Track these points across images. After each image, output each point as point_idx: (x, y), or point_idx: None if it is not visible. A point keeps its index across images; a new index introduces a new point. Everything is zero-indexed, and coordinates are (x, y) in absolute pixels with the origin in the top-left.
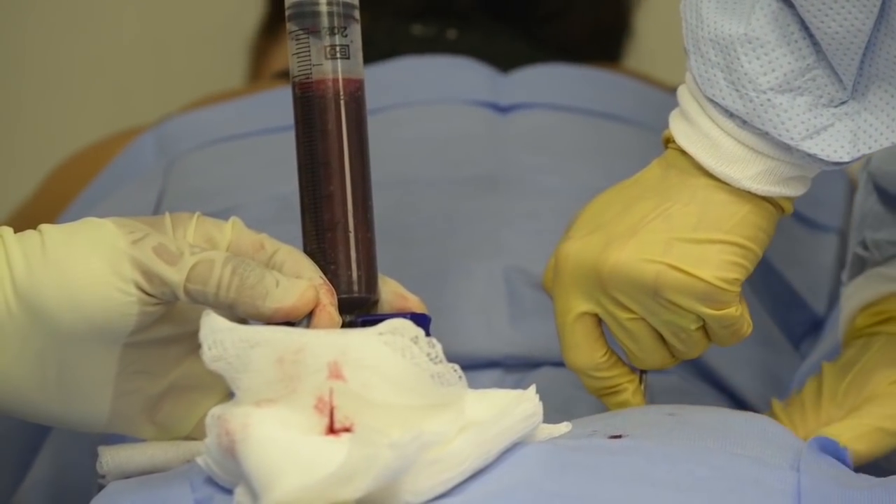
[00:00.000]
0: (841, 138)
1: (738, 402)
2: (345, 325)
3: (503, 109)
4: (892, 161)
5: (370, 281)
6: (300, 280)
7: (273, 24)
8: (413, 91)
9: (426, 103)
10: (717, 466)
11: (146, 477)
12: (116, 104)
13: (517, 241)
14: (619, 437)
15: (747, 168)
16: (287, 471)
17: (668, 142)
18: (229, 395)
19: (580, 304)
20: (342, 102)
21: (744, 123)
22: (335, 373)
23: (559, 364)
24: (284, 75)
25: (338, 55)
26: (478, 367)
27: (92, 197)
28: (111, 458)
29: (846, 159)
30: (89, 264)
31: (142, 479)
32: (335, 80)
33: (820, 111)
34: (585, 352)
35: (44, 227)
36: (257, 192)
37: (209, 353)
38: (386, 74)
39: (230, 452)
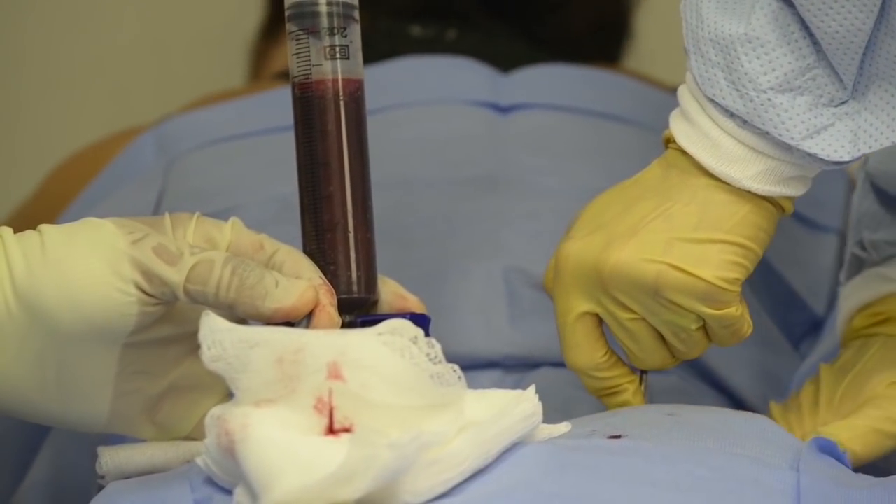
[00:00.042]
0: (841, 138)
1: (737, 403)
2: (344, 326)
3: (503, 110)
4: (890, 161)
5: (370, 281)
6: (300, 280)
7: (273, 27)
8: (413, 91)
9: (426, 104)
10: (716, 467)
11: (146, 477)
12: (116, 104)
13: (517, 241)
14: (619, 437)
15: (748, 168)
16: (286, 471)
17: (669, 142)
18: (229, 396)
19: (581, 304)
20: (342, 103)
21: (744, 123)
22: (334, 373)
23: (559, 364)
24: (284, 76)
25: (337, 55)
26: (477, 367)
27: (92, 197)
28: (110, 458)
29: (846, 159)
30: (89, 264)
31: (141, 480)
32: (335, 81)
33: (820, 111)
34: (586, 352)
35: (43, 227)
36: (257, 192)
37: (208, 353)
38: (386, 75)
39: (229, 453)
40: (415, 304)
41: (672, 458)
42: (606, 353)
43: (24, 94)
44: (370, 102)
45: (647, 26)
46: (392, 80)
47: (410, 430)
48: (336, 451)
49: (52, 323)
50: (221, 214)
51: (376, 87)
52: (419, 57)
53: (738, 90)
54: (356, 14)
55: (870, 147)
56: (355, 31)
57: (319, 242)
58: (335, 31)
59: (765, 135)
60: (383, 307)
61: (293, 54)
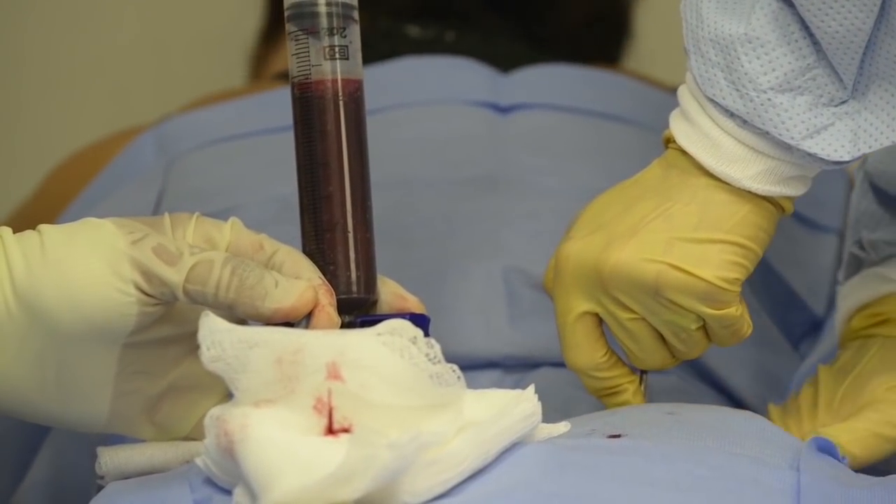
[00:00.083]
0: (841, 137)
1: (736, 403)
2: (344, 326)
3: (503, 110)
4: (889, 161)
5: (369, 281)
6: (299, 280)
7: (271, 32)
8: (413, 91)
9: (426, 104)
10: (715, 466)
11: (145, 478)
12: (116, 104)
13: (516, 241)
14: (618, 436)
15: (748, 168)
16: (286, 471)
17: (669, 142)
18: (228, 396)
19: (581, 304)
20: (341, 103)
21: (744, 123)
22: (333, 373)
23: (558, 364)
24: (284, 76)
25: (337, 56)
26: (477, 367)
27: (91, 197)
28: (110, 458)
29: (846, 158)
30: (89, 265)
31: (141, 480)
32: (334, 81)
33: (820, 110)
34: (586, 352)
35: (43, 227)
36: (257, 192)
37: (208, 353)
38: (385, 75)
39: (229, 453)
40: (414, 305)
41: (671, 458)
42: (606, 353)
43: (24, 94)
44: (370, 103)
45: (647, 26)
46: (392, 80)
47: (410, 431)
48: (335, 451)
49: (52, 323)
50: (221, 214)
51: (376, 88)
52: (419, 57)
53: (738, 90)
54: (356, 14)
55: (870, 147)
56: (355, 32)
57: (319, 242)
58: (334, 31)
59: (765, 135)
60: (383, 307)
61: (293, 54)
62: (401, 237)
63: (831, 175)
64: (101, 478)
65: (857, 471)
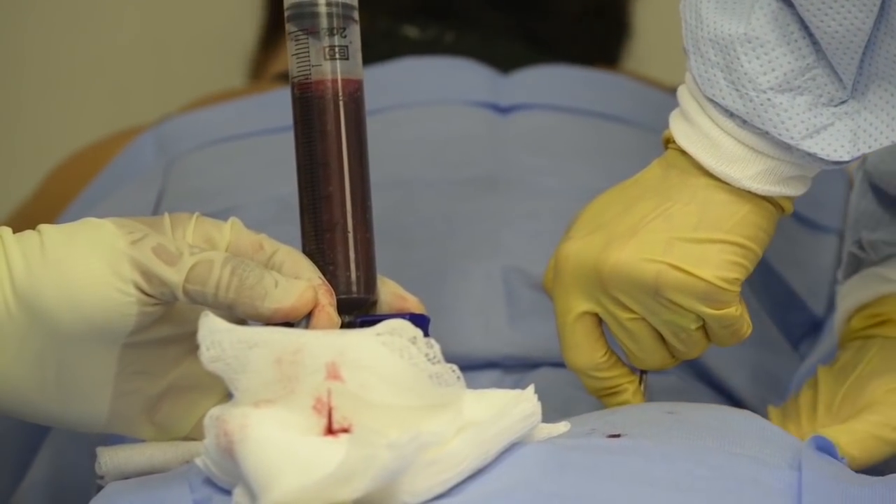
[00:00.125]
0: (841, 137)
1: (735, 403)
2: (344, 326)
3: (503, 110)
4: (889, 160)
5: (369, 281)
6: (299, 280)
7: (270, 36)
8: (413, 92)
9: (426, 104)
10: (715, 466)
11: (145, 478)
12: (116, 104)
13: (516, 241)
14: (618, 436)
15: (747, 168)
16: (285, 471)
17: (669, 142)
18: (228, 396)
19: (580, 304)
20: (341, 103)
21: (744, 123)
22: (333, 373)
23: (558, 364)
24: (284, 77)
25: (337, 56)
26: (476, 367)
27: (91, 197)
28: (110, 458)
29: (846, 158)
30: (88, 265)
31: (140, 480)
32: (334, 81)
33: (820, 110)
34: (585, 352)
35: (43, 227)
36: (257, 192)
37: (207, 353)
38: (385, 75)
39: (228, 453)
40: (414, 305)
41: (671, 458)
42: (606, 353)
43: (24, 94)
44: (370, 103)
45: (646, 27)
46: (392, 80)
47: (409, 431)
48: (335, 451)
49: (52, 323)
50: (221, 214)
51: (376, 88)
52: (419, 57)
53: (737, 90)
54: (355, 14)
55: (869, 147)
56: (355, 32)
57: (319, 242)
58: (334, 31)
59: (764, 135)
60: (382, 307)
61: (293, 54)
62: (401, 237)
63: (831, 175)
64: (101, 478)
65: (855, 472)
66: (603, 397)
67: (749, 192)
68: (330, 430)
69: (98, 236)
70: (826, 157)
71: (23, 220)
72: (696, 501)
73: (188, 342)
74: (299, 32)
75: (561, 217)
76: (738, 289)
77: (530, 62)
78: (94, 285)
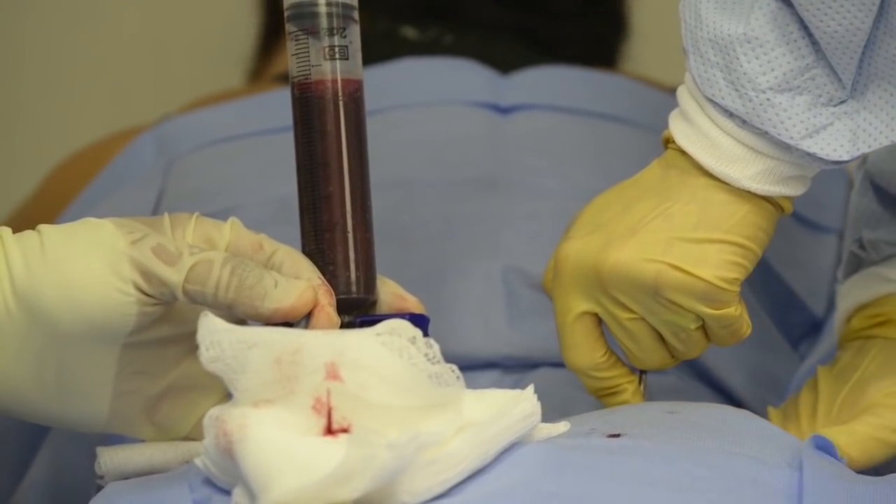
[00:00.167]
0: (840, 137)
1: (735, 403)
2: (343, 326)
3: (503, 111)
4: (890, 160)
5: (369, 282)
6: (299, 280)
7: (268, 43)
8: (413, 92)
9: (426, 105)
10: (715, 466)
11: (145, 478)
12: (116, 104)
13: (516, 242)
14: (618, 435)
15: (747, 167)
16: (285, 471)
17: (668, 142)
18: (228, 396)
19: (580, 304)
20: (341, 103)
21: (743, 123)
22: (332, 373)
23: (557, 365)
24: (283, 78)
25: (337, 56)
26: (476, 367)
27: (91, 197)
28: (109, 458)
29: (846, 158)
30: (88, 265)
31: (140, 480)
32: (334, 81)
33: (819, 110)
34: (585, 352)
35: (43, 227)
36: (256, 192)
37: (207, 353)
38: (386, 76)
39: (228, 453)
40: (414, 305)
41: (671, 458)
42: (606, 353)
43: (24, 94)
44: (370, 104)
45: (645, 27)
46: (392, 81)
47: (409, 431)
48: (334, 451)
49: (52, 323)
50: (221, 215)
51: (376, 89)
52: (419, 58)
53: (737, 90)
54: (355, 14)
55: (869, 146)
56: (355, 32)
57: (318, 243)
58: (334, 31)
59: (764, 134)
60: (382, 307)
61: (292, 54)
62: (400, 237)
63: (831, 175)
64: (101, 478)
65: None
66: (602, 397)
67: (748, 192)
68: (329, 431)
69: (98, 236)
70: (825, 157)
71: (23, 220)
72: (695, 501)
73: (188, 342)
74: (299, 32)
75: (561, 217)
76: (737, 289)
77: (529, 63)
78: (94, 285)
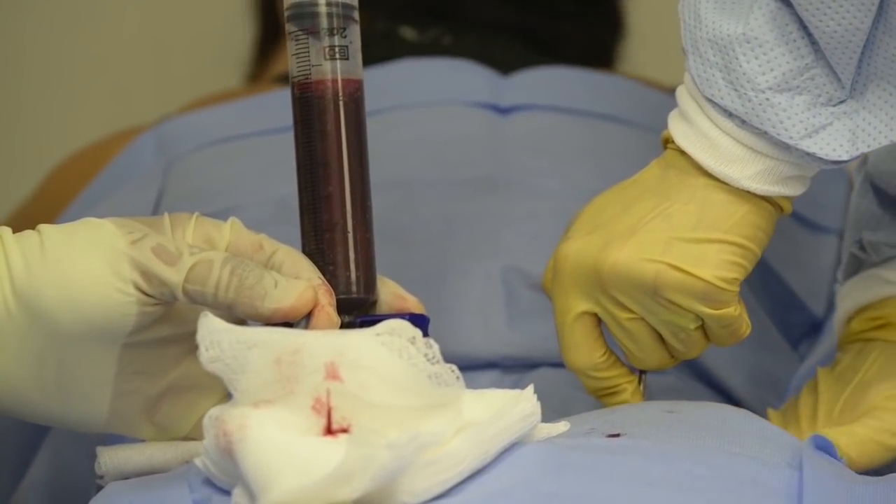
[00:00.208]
0: (840, 137)
1: (734, 403)
2: (343, 326)
3: (503, 111)
4: (890, 161)
5: (369, 282)
6: (299, 280)
7: (265, 49)
8: (413, 93)
9: (426, 105)
10: (715, 465)
11: (144, 478)
12: (116, 104)
13: (516, 242)
14: (618, 435)
15: (746, 167)
16: (284, 471)
17: (667, 142)
18: (228, 396)
19: (579, 304)
20: (341, 103)
21: (742, 123)
22: (332, 374)
23: (557, 365)
24: (283, 79)
25: (337, 56)
26: (475, 367)
27: (91, 197)
28: (109, 458)
29: (845, 158)
30: (88, 264)
31: (140, 480)
32: (334, 81)
33: (818, 110)
34: (584, 352)
35: (43, 227)
36: (256, 192)
37: (207, 353)
38: (385, 76)
39: (228, 453)
40: (414, 305)
41: (671, 457)
42: (605, 353)
43: (24, 94)
44: (370, 104)
45: (644, 27)
46: (392, 81)
47: (408, 431)
48: (334, 451)
49: (52, 323)
50: (221, 215)
51: (376, 89)
52: (419, 59)
53: (736, 90)
54: (356, 14)
55: (868, 146)
56: (355, 32)
57: (318, 242)
58: (335, 31)
59: (763, 134)
60: (382, 307)
61: (293, 54)
62: (400, 238)
63: (831, 176)
64: (101, 478)
65: None
66: (602, 397)
67: (748, 191)
68: (329, 431)
69: (98, 236)
70: (825, 157)
71: (23, 220)
72: (695, 501)
73: (188, 342)
74: (299, 32)
75: (560, 217)
76: (736, 288)
77: (528, 63)
78: (94, 285)
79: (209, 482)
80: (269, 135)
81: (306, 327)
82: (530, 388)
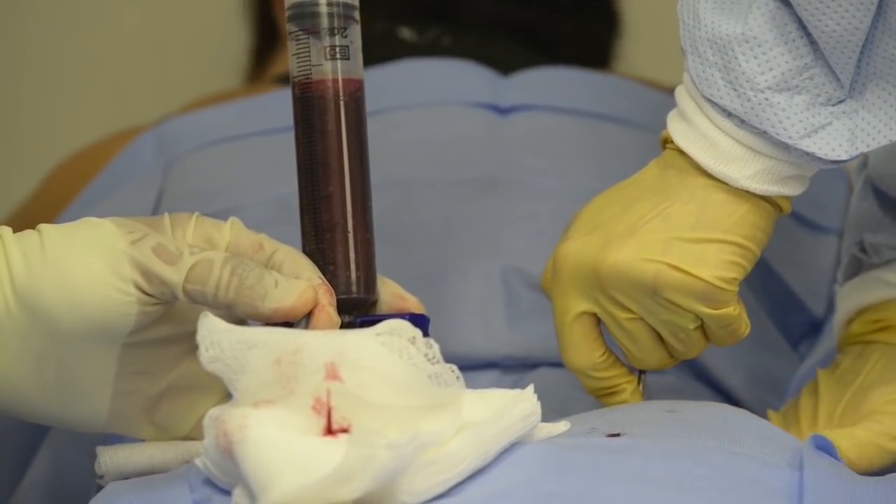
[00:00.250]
0: (839, 136)
1: (734, 403)
2: (343, 326)
3: (503, 111)
4: (890, 164)
5: (369, 281)
6: (299, 280)
7: (261, 57)
8: (413, 93)
9: (426, 105)
10: (715, 465)
11: (145, 478)
12: (116, 104)
13: (516, 242)
14: (618, 435)
15: (745, 167)
16: (285, 471)
17: (667, 142)
18: (228, 396)
19: (579, 304)
20: (342, 103)
21: (742, 123)
22: (332, 374)
23: (557, 364)
24: (283, 79)
25: (337, 56)
26: (475, 367)
27: (91, 197)
28: (109, 458)
29: (844, 157)
30: (88, 264)
31: (140, 480)
32: (335, 81)
33: (818, 110)
34: (584, 352)
35: (43, 226)
36: (256, 192)
37: (207, 354)
38: (386, 77)
39: (228, 453)
40: (414, 305)
41: (671, 457)
42: (604, 353)
43: (24, 94)
44: (370, 104)
45: (643, 27)
46: (392, 81)
47: (408, 431)
48: (334, 451)
49: (52, 323)
50: (221, 215)
51: (376, 89)
52: (419, 59)
53: (735, 90)
54: (356, 14)
55: (867, 146)
56: (355, 32)
57: (319, 242)
58: (335, 31)
59: (762, 134)
60: (382, 307)
61: (293, 54)
62: (400, 238)
63: (831, 176)
64: (101, 477)
65: None
66: (601, 397)
67: (747, 191)
68: (329, 431)
69: (98, 236)
70: (824, 157)
71: (23, 220)
72: (695, 500)
73: (188, 342)
74: (300, 32)
75: (560, 218)
76: (736, 288)
77: (527, 63)
78: (94, 285)
79: (209, 482)
80: (269, 135)
81: (306, 327)
82: (530, 388)
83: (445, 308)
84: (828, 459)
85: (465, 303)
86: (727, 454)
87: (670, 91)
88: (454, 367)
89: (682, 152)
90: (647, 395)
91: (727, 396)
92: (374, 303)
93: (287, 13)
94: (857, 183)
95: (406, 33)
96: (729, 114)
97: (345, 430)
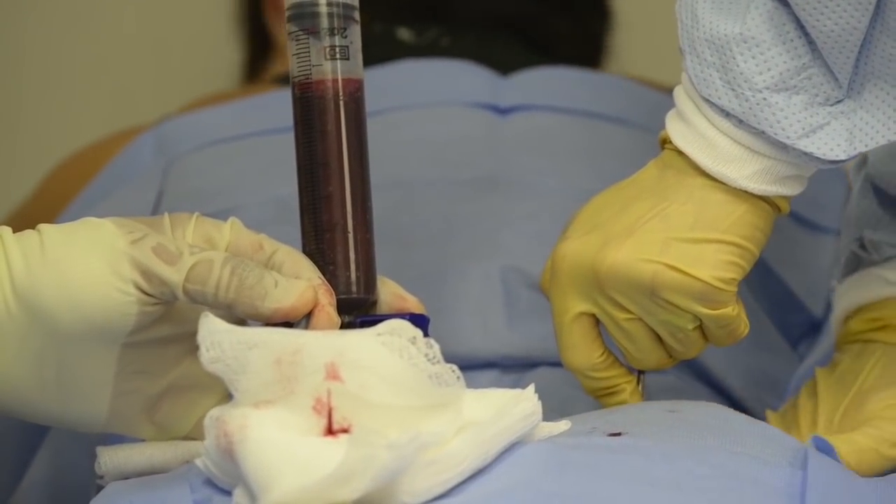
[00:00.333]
0: (837, 136)
1: (733, 403)
2: (343, 326)
3: (502, 111)
4: (890, 162)
5: (369, 282)
6: (299, 280)
7: (255, 68)
8: (413, 93)
9: (426, 105)
10: (716, 465)
11: (145, 478)
12: (116, 104)
13: (516, 242)
14: (619, 434)
15: (744, 167)
16: (285, 472)
17: (665, 142)
18: (228, 396)
19: (577, 305)
20: (341, 103)
21: (740, 123)
22: (332, 374)
23: (556, 364)
24: (283, 79)
25: (337, 56)
26: (475, 367)
27: (91, 197)
28: (110, 458)
29: (842, 157)
30: (88, 264)
31: (141, 480)
32: (335, 81)
33: (816, 110)
34: (583, 352)
35: (43, 226)
36: (256, 193)
37: (207, 354)
38: (386, 77)
39: (228, 454)
40: (414, 305)
41: (672, 457)
42: (603, 353)
43: (24, 94)
44: (370, 104)
45: (642, 27)
46: (392, 82)
47: (409, 431)
48: (334, 451)
49: (52, 323)
50: (221, 215)
51: (376, 89)
52: (418, 59)
53: (733, 90)
54: (356, 15)
55: (865, 146)
56: (355, 32)
57: (319, 243)
58: (335, 31)
59: (760, 134)
60: (382, 307)
61: (293, 54)
62: (400, 238)
63: (830, 176)
64: (101, 477)
65: None
66: (601, 397)
67: (745, 191)
68: (329, 431)
69: (98, 236)
70: (822, 157)
71: (23, 220)
72: (697, 500)
73: (188, 342)
74: (300, 32)
75: (560, 217)
76: (734, 289)
77: (526, 63)
78: (94, 285)
79: (210, 482)
80: (269, 135)
81: (306, 327)
82: (531, 388)
83: (445, 308)
84: (828, 459)
85: (465, 303)
86: (728, 454)
87: (669, 91)
88: (454, 366)
89: (680, 152)
90: (647, 395)
91: (726, 396)
92: (374, 303)
93: (287, 13)
94: (856, 181)
95: (405, 34)
96: (727, 114)
97: (345, 431)
